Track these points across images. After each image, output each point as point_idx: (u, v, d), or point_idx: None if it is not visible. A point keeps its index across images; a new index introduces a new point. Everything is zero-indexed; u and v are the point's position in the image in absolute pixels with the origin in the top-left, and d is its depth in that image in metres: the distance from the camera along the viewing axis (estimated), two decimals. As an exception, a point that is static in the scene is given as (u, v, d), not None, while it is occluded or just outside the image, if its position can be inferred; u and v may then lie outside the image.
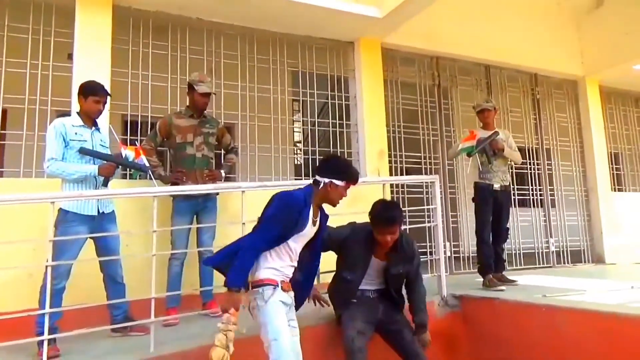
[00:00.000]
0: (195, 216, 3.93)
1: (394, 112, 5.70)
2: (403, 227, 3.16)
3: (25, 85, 4.01)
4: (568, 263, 6.56)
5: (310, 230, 2.58)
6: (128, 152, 3.35)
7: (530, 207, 6.54)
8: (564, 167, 6.94)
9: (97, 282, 3.38)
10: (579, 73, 7.09)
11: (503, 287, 4.02)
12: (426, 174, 5.67)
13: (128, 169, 3.57)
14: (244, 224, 3.20)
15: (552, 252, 6.49)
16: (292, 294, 2.59)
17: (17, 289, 3.40)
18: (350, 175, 2.61)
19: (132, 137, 4.30)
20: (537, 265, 6.27)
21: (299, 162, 7.02)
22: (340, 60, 5.47)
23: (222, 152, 4.35)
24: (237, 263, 2.38)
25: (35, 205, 3.13)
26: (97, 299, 3.37)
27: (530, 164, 6.59)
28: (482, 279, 4.26)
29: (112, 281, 3.39)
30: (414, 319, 3.20)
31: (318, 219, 2.63)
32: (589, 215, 6.97)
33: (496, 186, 4.38)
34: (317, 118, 5.56)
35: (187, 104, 4.05)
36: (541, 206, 6.62)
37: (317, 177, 2.58)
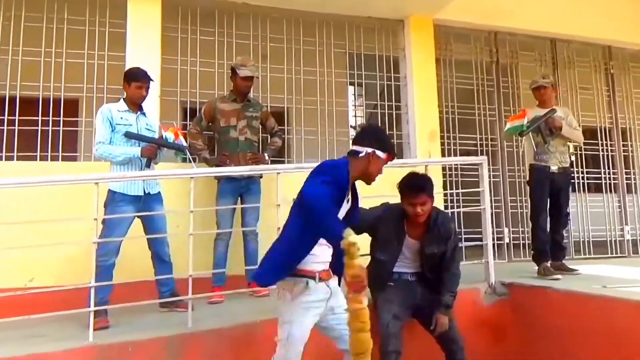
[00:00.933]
0: (239, 198, 4.01)
1: (447, 92, 5.45)
2: (456, 210, 3.01)
3: (91, 75, 4.27)
4: (646, 252, 5.99)
5: (343, 209, 2.30)
6: (168, 134, 3.48)
7: (602, 192, 6.02)
8: (641, 149, 6.32)
9: (147, 260, 3.56)
10: (660, 43, 6.38)
11: (559, 276, 3.74)
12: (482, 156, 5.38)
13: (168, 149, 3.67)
14: (278, 205, 3.21)
15: (628, 240, 5.95)
16: (333, 281, 2.34)
17: (75, 264, 3.65)
18: (392, 147, 2.38)
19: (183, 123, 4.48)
20: (610, 255, 5.78)
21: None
22: (389, 40, 5.30)
23: (268, 136, 4.39)
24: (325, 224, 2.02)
25: (88, 186, 3.35)
26: (147, 277, 3.57)
27: (603, 145, 6.06)
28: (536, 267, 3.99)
29: (159, 260, 3.54)
30: (441, 298, 3.01)
31: (351, 197, 2.35)
32: (671, 202, 6.30)
33: (553, 168, 4.05)
34: (376, 101, 5.41)
35: (231, 88, 4.12)
36: (615, 191, 6.07)
37: (357, 147, 2.31)
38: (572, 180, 4.73)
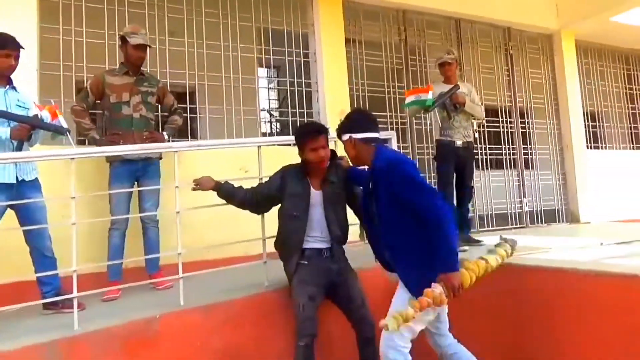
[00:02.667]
0: (135, 182, 3.65)
1: (357, 70, 5.38)
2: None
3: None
4: (542, 223, 6.42)
5: None
6: (45, 114, 3.02)
7: (503, 168, 6.34)
8: (538, 126, 6.72)
9: (26, 256, 3.12)
10: (554, 26, 6.78)
11: (466, 247, 3.84)
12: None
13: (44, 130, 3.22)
14: (177, 187, 2.93)
15: (526, 212, 6.33)
16: None
17: None
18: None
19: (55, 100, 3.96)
20: (510, 226, 6.11)
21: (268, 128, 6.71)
22: (298, 15, 5.11)
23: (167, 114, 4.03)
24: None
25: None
26: (27, 276, 3.13)
27: (503, 123, 6.36)
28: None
29: (40, 255, 3.11)
30: None
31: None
32: (563, 174, 6.79)
33: (458, 143, 4.15)
34: (279, 77, 5.20)
35: (122, 60, 3.71)
36: (514, 167, 6.42)
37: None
38: (475, 155, 4.87)
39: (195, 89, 4.93)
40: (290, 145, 3.38)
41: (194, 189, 2.98)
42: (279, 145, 3.89)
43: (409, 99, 4.05)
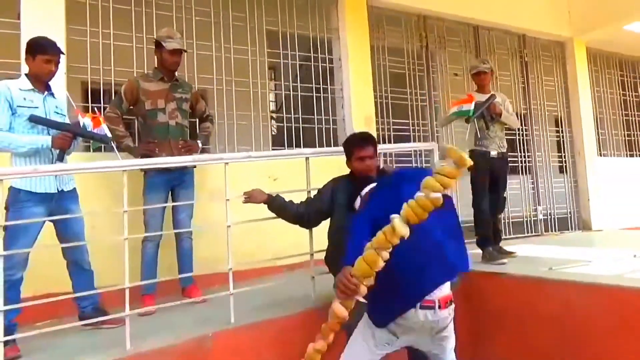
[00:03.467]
0: (170, 192, 3.53)
1: (380, 75, 5.31)
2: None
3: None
4: (555, 230, 6.44)
5: None
6: (87, 121, 2.89)
7: (518, 174, 6.34)
8: (551, 133, 6.75)
9: (60, 269, 2.98)
10: (567, 34, 6.83)
11: (505, 260, 3.79)
12: (415, 141, 5.36)
13: (88, 140, 3.09)
14: (228, 200, 2.83)
15: (540, 220, 6.34)
16: None
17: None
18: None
19: (94, 105, 3.81)
20: (526, 234, 6.12)
21: (274, 132, 6.58)
22: (322, 20, 5.01)
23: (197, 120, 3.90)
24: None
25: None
26: (61, 289, 2.99)
27: (518, 130, 6.35)
28: (480, 252, 4.02)
29: (78, 268, 2.99)
30: None
31: None
32: (575, 182, 6.83)
33: (493, 153, 4.11)
34: (295, 83, 5.06)
35: (155, 65, 3.58)
36: (529, 173, 6.44)
37: None
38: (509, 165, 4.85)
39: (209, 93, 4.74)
40: (331, 155, 3.31)
41: (245, 202, 2.89)
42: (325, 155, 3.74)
43: (453, 110, 4.01)
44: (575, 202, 6.77)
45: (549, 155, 6.65)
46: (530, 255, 4.29)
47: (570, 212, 6.72)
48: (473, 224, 4.07)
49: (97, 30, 3.88)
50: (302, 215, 2.91)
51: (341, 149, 2.91)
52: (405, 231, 1.74)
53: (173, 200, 3.50)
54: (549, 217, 6.45)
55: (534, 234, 6.21)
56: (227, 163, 2.85)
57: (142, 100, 3.45)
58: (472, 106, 3.85)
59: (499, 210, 4.24)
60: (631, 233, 6.31)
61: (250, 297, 3.21)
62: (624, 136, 7.62)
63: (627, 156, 7.57)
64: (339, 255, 2.84)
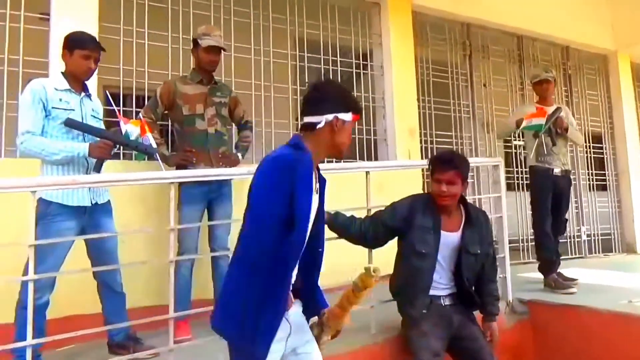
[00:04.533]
0: (207, 205, 3.20)
1: (422, 85, 5.00)
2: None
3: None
4: (599, 252, 6.06)
5: (314, 206, 1.65)
6: (130, 128, 2.57)
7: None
8: (595, 149, 6.40)
9: (88, 288, 2.65)
10: (611, 47, 6.51)
11: (575, 290, 3.43)
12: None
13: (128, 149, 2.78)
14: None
15: (584, 240, 5.97)
16: (296, 307, 1.72)
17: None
18: (356, 102, 1.73)
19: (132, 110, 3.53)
20: (570, 256, 5.74)
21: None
22: (365, 24, 4.71)
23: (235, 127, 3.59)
24: None
25: (8, 195, 2.40)
26: (89, 309, 2.68)
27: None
28: (542, 277, 3.68)
29: (110, 290, 2.66)
30: (484, 308, 2.64)
31: (318, 184, 1.73)
32: (619, 201, 6.46)
33: (556, 171, 3.77)
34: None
35: (193, 66, 3.28)
36: (572, 191, 6.07)
37: (311, 118, 1.66)
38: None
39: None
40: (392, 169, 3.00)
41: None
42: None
43: (524, 123, 3.67)
44: (618, 222, 6.39)
45: (593, 173, 6.29)
46: (592, 282, 3.93)
47: (613, 234, 6.34)
48: (535, 247, 3.72)
49: (130, 29, 3.59)
50: (366, 233, 2.58)
51: (402, 162, 2.60)
52: None
53: (209, 214, 3.18)
54: (592, 237, 6.08)
55: (577, 255, 5.84)
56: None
57: (179, 104, 3.13)
58: (544, 120, 3.52)
59: (560, 232, 3.89)
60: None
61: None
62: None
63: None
64: (408, 282, 2.53)
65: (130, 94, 3.66)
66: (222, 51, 3.24)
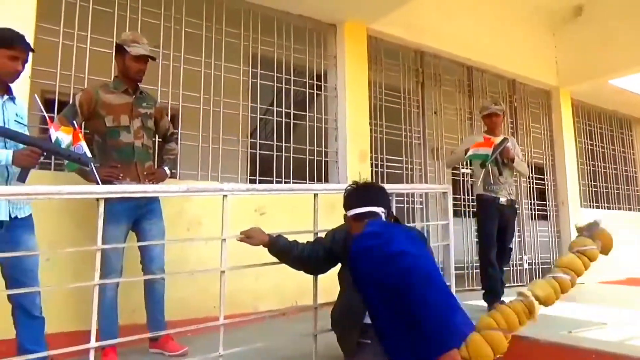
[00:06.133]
0: (133, 224, 2.96)
1: (375, 109, 5.01)
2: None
3: None
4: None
5: None
6: (61, 135, 2.34)
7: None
8: (537, 180, 6.63)
9: (1, 311, 2.38)
10: (554, 83, 6.83)
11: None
12: (408, 181, 5.05)
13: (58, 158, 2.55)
14: (224, 240, 2.34)
15: (526, 269, 6.12)
16: None
17: None
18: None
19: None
20: (512, 284, 5.84)
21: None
22: (321, 45, 4.69)
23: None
24: None
25: None
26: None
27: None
28: (486, 306, 3.68)
29: (26, 315, 2.37)
30: None
31: None
32: (558, 231, 6.70)
33: (502, 200, 3.84)
34: (271, 106, 4.63)
35: (116, 73, 3.08)
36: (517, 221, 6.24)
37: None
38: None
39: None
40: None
41: (240, 240, 2.42)
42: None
43: (470, 152, 3.70)
44: (558, 252, 6.61)
45: (535, 203, 6.51)
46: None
47: (553, 262, 6.53)
48: (480, 276, 3.73)
49: (72, 31, 3.37)
50: (308, 258, 2.46)
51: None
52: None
53: (139, 233, 2.95)
54: (533, 266, 6.24)
55: (519, 283, 5.96)
56: (225, 195, 2.37)
57: (102, 114, 2.87)
58: (490, 150, 3.58)
59: (505, 261, 3.94)
60: (618, 288, 6.18)
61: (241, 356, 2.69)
62: (603, 188, 7.63)
63: (605, 208, 7.57)
64: (351, 314, 2.42)
65: (67, 101, 3.41)
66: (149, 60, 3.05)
